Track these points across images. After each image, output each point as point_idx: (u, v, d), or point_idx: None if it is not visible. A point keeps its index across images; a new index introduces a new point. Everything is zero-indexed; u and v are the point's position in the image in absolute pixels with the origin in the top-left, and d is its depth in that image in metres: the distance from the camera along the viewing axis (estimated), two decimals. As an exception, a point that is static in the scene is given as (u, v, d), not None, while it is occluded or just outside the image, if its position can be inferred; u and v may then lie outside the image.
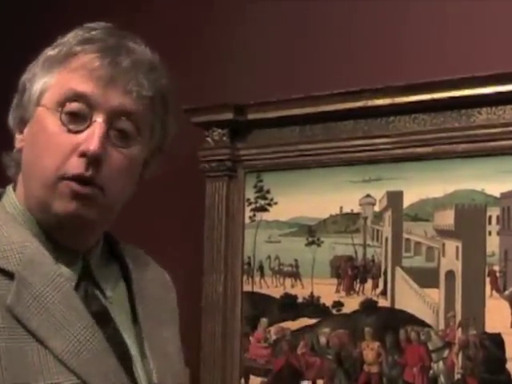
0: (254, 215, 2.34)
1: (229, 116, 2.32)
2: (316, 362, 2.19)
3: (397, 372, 2.07)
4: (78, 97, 1.14)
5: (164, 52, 2.74)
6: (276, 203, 2.31)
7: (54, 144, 1.14)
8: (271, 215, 2.32)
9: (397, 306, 2.09)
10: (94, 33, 1.18)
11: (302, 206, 2.25)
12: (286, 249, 2.28)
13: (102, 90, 1.14)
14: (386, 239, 2.12)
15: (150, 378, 1.20)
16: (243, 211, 2.36)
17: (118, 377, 1.13)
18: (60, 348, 1.09)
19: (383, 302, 2.10)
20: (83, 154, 1.12)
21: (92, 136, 1.12)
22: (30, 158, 1.18)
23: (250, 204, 2.35)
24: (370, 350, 2.09)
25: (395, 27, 2.25)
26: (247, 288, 2.33)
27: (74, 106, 1.14)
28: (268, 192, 2.32)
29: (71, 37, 1.18)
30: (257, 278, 2.32)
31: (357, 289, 2.14)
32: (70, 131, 1.14)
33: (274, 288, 2.29)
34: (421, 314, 2.04)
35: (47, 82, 1.17)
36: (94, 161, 1.13)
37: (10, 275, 1.10)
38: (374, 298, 2.12)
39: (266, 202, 2.32)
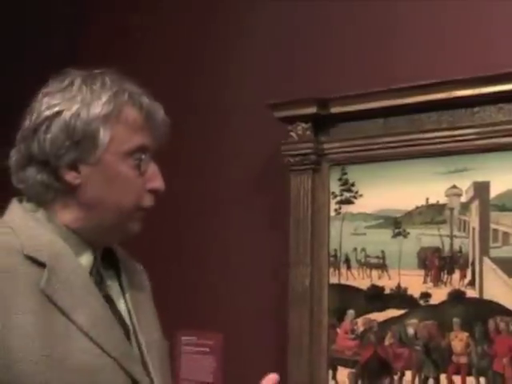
0: (340, 208, 2.35)
1: (312, 110, 2.33)
2: (404, 353, 2.19)
3: (486, 362, 2.05)
4: (144, 149, 1.47)
5: (247, 49, 2.79)
6: (361, 196, 2.31)
7: (131, 186, 1.46)
8: (356, 208, 2.32)
9: (485, 297, 2.07)
10: (135, 91, 1.48)
11: (388, 198, 2.25)
12: (372, 241, 2.28)
13: (152, 138, 1.49)
14: (473, 230, 2.10)
15: (140, 347, 1.49)
16: (328, 204, 2.37)
17: (123, 344, 1.44)
18: (81, 320, 1.37)
19: (471, 293, 2.09)
20: (156, 191, 1.49)
21: (157, 176, 1.49)
22: (102, 194, 1.45)
23: (335, 197, 2.36)
24: (458, 340, 2.08)
25: (480, 16, 2.23)
26: (334, 280, 2.35)
27: (139, 155, 1.46)
28: (353, 185, 2.33)
29: (118, 92, 1.46)
30: (343, 270, 2.33)
31: (444, 280, 2.13)
32: (137, 173, 1.46)
33: (360, 280, 2.30)
34: (510, 305, 2.02)
35: (110, 134, 1.44)
36: None
37: (42, 265, 1.38)
38: (462, 289, 2.10)
39: (351, 194, 2.33)
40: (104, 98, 1.44)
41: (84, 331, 1.37)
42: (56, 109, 1.43)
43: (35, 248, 1.39)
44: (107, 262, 1.55)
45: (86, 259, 1.47)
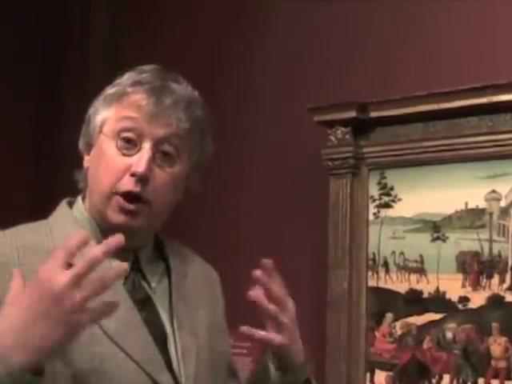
0: (378, 212, 2.36)
1: (352, 114, 2.34)
2: (442, 356, 2.19)
3: (525, 367, 2.05)
4: (129, 128, 1.42)
5: (287, 53, 2.81)
6: (400, 200, 2.32)
7: (110, 164, 1.42)
8: (395, 211, 2.33)
9: (524, 301, 2.07)
10: (143, 75, 1.46)
11: (426, 202, 2.25)
12: (410, 244, 2.28)
13: (148, 122, 1.42)
14: (513, 234, 2.11)
15: (177, 352, 1.45)
16: (367, 208, 2.38)
17: (151, 350, 1.39)
18: (106, 324, 1.33)
19: (510, 297, 2.08)
20: (133, 174, 1.40)
21: (141, 159, 1.40)
22: (92, 174, 1.46)
23: (374, 201, 2.37)
24: (497, 345, 2.08)
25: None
26: (372, 283, 2.36)
27: (127, 134, 1.42)
28: (392, 189, 2.34)
29: (125, 78, 1.47)
30: (381, 274, 2.34)
31: (483, 284, 2.13)
32: (123, 155, 1.42)
33: (399, 283, 2.30)
34: (549, 310, 2.02)
35: (106, 114, 1.45)
36: (141, 179, 1.40)
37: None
38: (501, 293, 2.10)
39: (390, 198, 2.34)
40: (116, 81, 1.48)
41: (109, 335, 1.35)
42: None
43: None
44: (162, 263, 1.54)
45: (124, 259, 1.40)
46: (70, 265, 1.35)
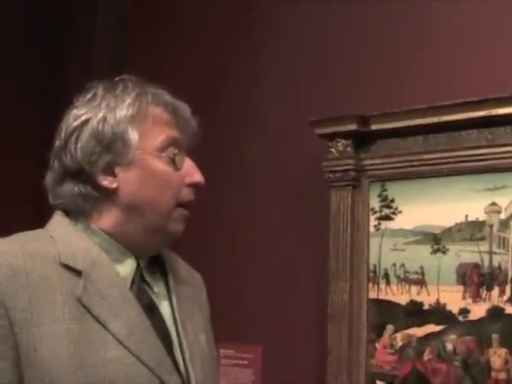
0: (379, 224, 2.37)
1: (353, 127, 2.35)
2: (442, 368, 2.19)
3: (525, 379, 2.05)
4: (175, 143, 1.49)
5: (289, 66, 2.82)
6: (400, 212, 2.33)
7: (170, 181, 1.48)
8: (396, 224, 2.34)
9: (524, 313, 2.07)
10: (157, 91, 1.51)
11: (427, 214, 2.26)
12: (411, 257, 2.29)
13: (182, 136, 1.52)
14: (513, 246, 2.12)
15: (184, 356, 1.48)
16: (368, 220, 2.39)
17: (160, 354, 1.42)
18: (117, 329, 1.38)
19: (510, 309, 2.09)
20: (195, 184, 1.50)
21: (194, 170, 1.51)
22: (140, 193, 1.46)
23: (375, 213, 2.38)
24: (497, 356, 2.08)
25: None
26: (373, 295, 2.36)
27: (172, 150, 1.48)
28: (392, 201, 2.35)
29: (140, 93, 1.49)
30: (382, 286, 2.34)
31: (483, 296, 2.14)
32: (176, 170, 1.49)
33: (399, 295, 2.31)
34: (549, 321, 2.02)
35: (139, 133, 1.46)
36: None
37: (78, 273, 1.39)
38: (501, 305, 2.10)
39: (391, 210, 2.35)
40: (128, 100, 1.47)
41: (120, 340, 1.37)
42: (83, 118, 1.46)
43: (71, 256, 1.40)
44: (157, 268, 1.56)
45: (128, 267, 1.47)
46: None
